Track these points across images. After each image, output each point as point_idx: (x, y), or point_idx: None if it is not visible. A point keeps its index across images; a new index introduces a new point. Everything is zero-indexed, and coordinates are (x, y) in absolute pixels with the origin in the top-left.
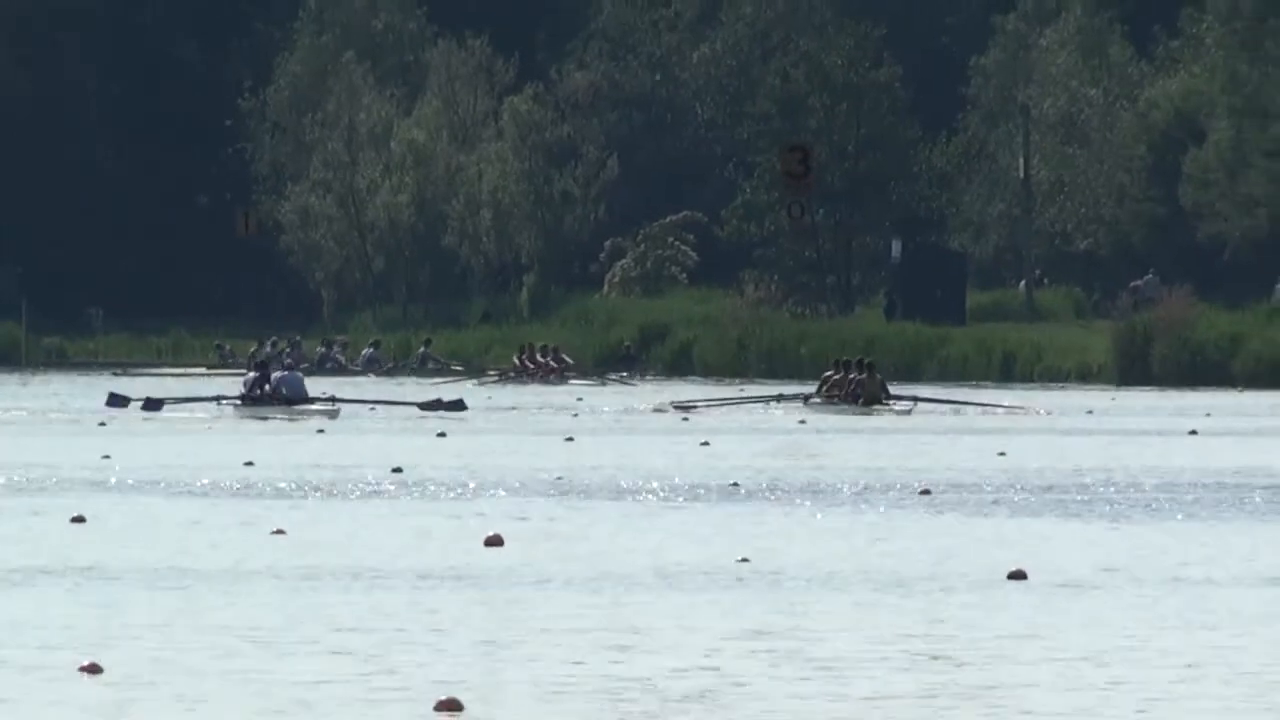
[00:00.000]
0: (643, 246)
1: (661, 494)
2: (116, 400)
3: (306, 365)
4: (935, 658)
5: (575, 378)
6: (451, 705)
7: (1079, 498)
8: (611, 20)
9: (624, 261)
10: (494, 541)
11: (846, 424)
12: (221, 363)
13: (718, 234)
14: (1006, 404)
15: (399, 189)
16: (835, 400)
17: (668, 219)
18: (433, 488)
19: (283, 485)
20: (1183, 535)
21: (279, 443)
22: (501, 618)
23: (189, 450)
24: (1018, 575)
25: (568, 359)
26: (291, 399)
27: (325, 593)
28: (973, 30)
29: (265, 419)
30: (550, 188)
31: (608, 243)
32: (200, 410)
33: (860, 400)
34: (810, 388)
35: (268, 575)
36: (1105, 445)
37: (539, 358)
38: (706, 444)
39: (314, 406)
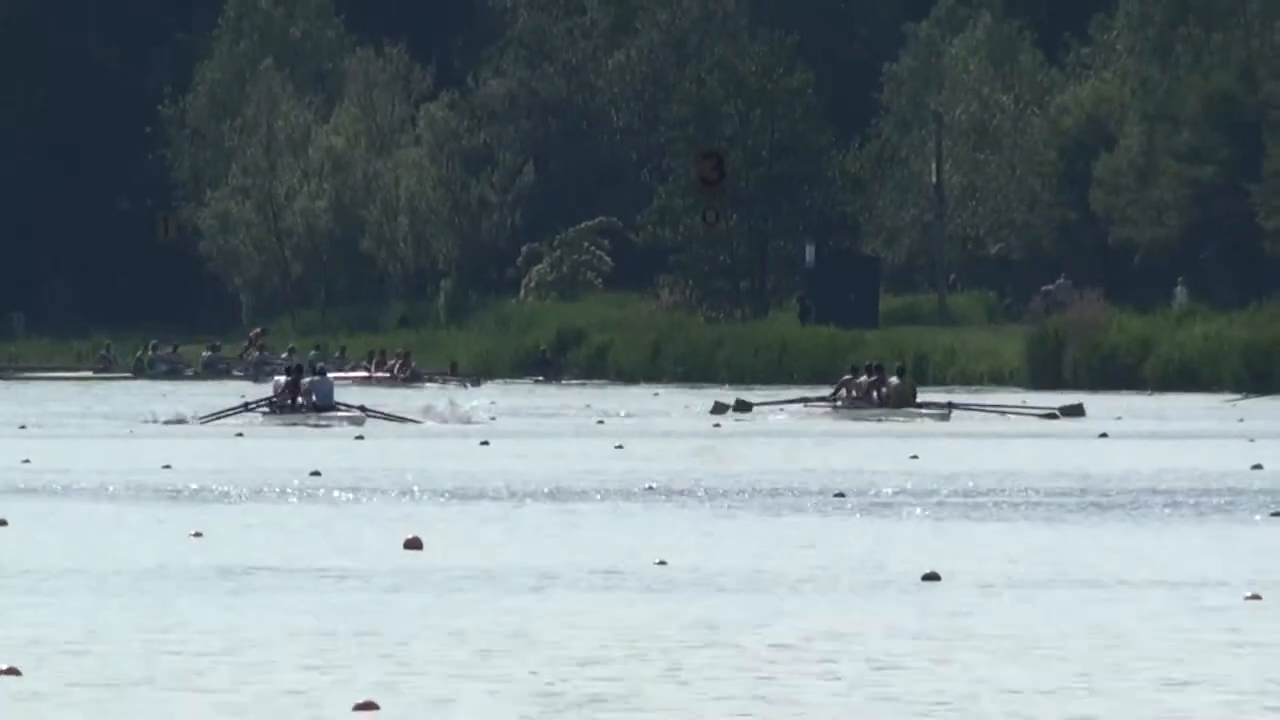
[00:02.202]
0: (559, 252)
1: (578, 497)
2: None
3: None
4: (852, 659)
5: (425, 382)
6: (368, 706)
7: (992, 501)
8: (527, 28)
9: (540, 266)
10: (413, 544)
11: (759, 427)
12: (105, 367)
13: (633, 239)
14: (1042, 409)
15: (317, 195)
16: (860, 404)
17: (583, 224)
18: (352, 491)
19: (201, 488)
20: (1094, 538)
21: (197, 446)
22: (420, 619)
23: (109, 454)
24: (932, 577)
25: (413, 365)
26: (321, 405)
27: (243, 595)
28: (885, 37)
29: (293, 425)
30: (467, 194)
31: (524, 248)
32: (230, 419)
33: (889, 404)
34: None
35: (186, 578)
36: (1017, 448)
37: (389, 363)
38: (621, 447)
39: (341, 413)
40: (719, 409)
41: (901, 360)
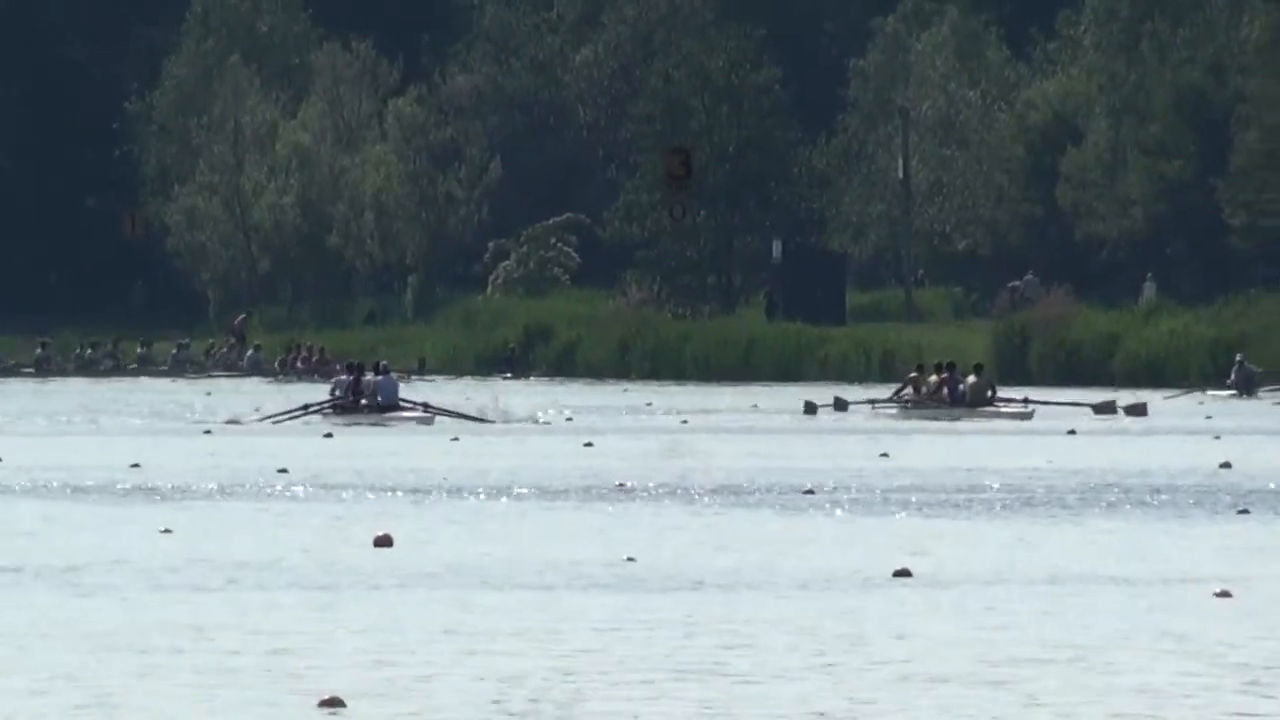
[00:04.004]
0: (526, 248)
1: (547, 494)
2: None
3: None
4: (822, 654)
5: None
6: (334, 702)
7: (961, 497)
8: (494, 23)
9: (507, 263)
10: (383, 541)
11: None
12: (46, 361)
13: (600, 235)
14: (1126, 404)
15: (284, 191)
16: (932, 403)
17: (550, 220)
18: (321, 488)
19: (172, 486)
20: (1065, 535)
21: (166, 445)
22: (390, 616)
23: (79, 452)
24: (903, 574)
25: (330, 359)
26: (385, 405)
27: (212, 591)
28: (852, 33)
29: (356, 425)
30: (434, 189)
31: (491, 244)
32: (293, 422)
33: (967, 403)
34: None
35: (154, 574)
36: (984, 444)
37: (301, 356)
38: (590, 445)
39: (406, 414)
40: (809, 409)
41: (978, 360)
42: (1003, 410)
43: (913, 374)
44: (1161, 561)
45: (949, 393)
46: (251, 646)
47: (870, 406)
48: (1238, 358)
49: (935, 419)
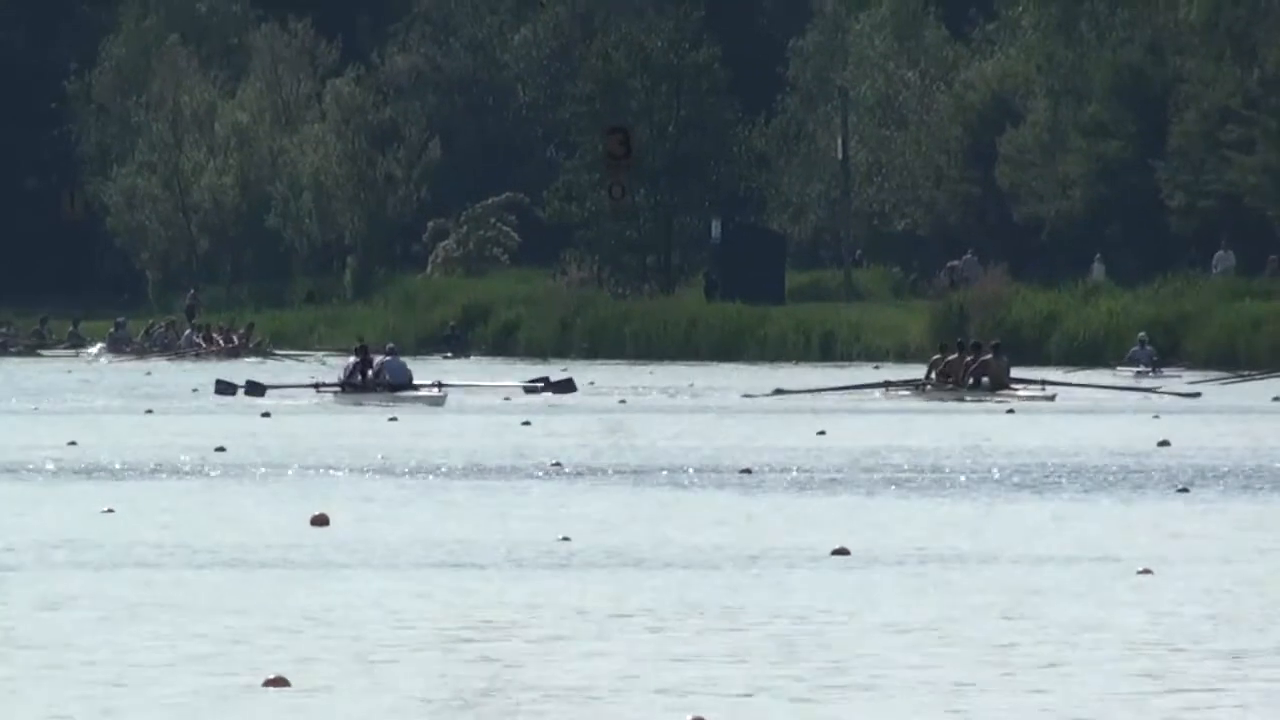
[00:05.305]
0: (465, 228)
1: (485, 473)
2: (224, 388)
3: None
4: (753, 632)
5: (253, 355)
6: (279, 682)
7: (899, 476)
8: (433, 3)
9: (447, 242)
10: (320, 520)
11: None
12: None
13: (539, 215)
14: (1146, 385)
15: (223, 170)
16: (951, 385)
17: (490, 200)
18: (258, 467)
19: (113, 465)
20: (1001, 514)
21: (104, 424)
22: (328, 596)
23: (12, 431)
24: (841, 552)
25: (235, 338)
26: (395, 385)
27: (153, 571)
28: (791, 13)
29: (363, 404)
30: (373, 169)
31: (430, 224)
32: (301, 396)
33: (985, 384)
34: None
35: (95, 553)
36: (923, 424)
37: (214, 335)
38: (528, 424)
39: (420, 393)
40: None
41: (996, 338)
42: (1021, 393)
43: (935, 355)
44: (1092, 540)
45: (974, 378)
46: (193, 625)
47: (884, 388)
48: (1140, 336)
49: (951, 400)
